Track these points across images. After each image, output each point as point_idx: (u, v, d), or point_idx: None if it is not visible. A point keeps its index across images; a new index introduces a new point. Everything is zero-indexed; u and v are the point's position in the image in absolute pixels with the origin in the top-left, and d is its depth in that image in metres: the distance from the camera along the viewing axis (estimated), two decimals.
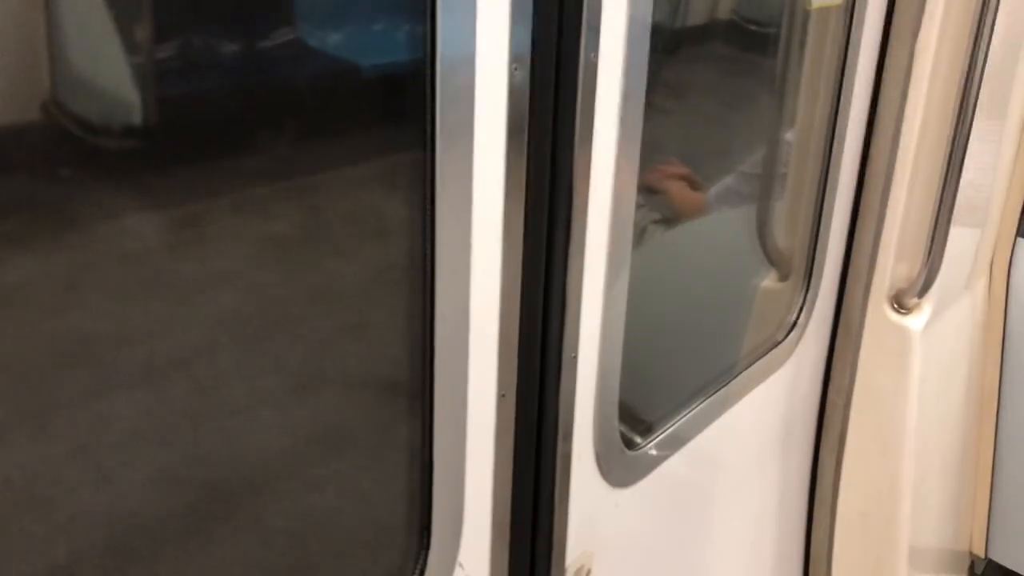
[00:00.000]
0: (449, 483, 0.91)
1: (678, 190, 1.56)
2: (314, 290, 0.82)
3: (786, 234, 1.64)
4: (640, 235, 1.50)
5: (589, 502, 1.11)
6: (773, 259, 1.65)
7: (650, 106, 1.44)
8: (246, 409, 0.79)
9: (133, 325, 0.69)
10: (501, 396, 0.94)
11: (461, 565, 0.94)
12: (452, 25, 0.78)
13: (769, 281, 1.65)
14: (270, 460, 0.83)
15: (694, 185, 1.60)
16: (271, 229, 0.77)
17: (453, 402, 0.89)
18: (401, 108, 0.84)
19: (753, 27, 1.65)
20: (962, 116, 1.57)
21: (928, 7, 1.52)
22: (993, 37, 1.56)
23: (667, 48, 1.48)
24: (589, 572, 1.14)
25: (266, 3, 0.71)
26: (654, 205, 1.52)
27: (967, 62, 1.55)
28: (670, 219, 1.57)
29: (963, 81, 1.56)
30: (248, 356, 0.78)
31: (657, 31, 1.33)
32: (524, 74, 0.85)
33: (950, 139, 1.59)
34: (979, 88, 1.56)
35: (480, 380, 0.91)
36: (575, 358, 1.02)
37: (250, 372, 0.78)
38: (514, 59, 0.84)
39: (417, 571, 0.90)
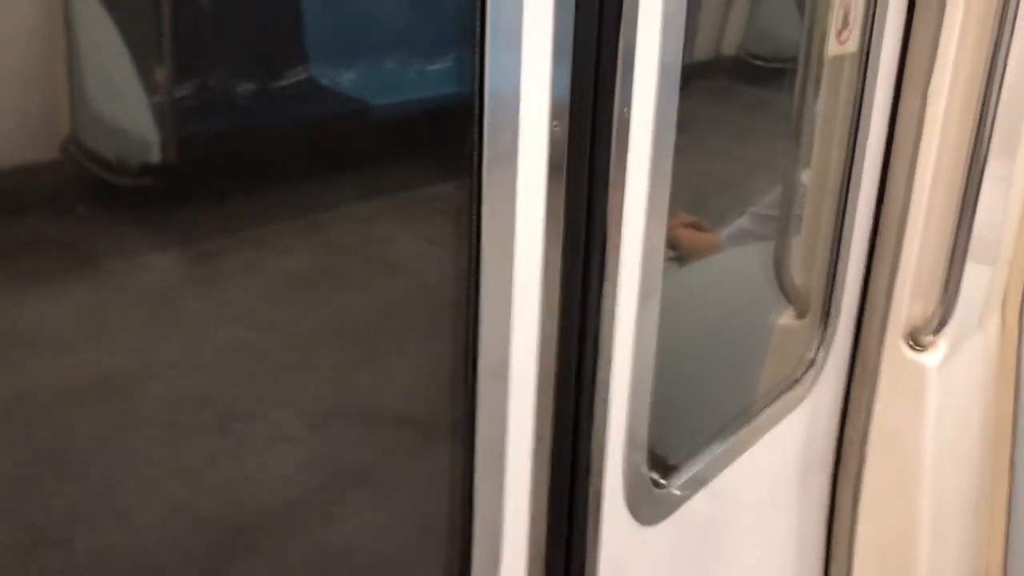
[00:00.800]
0: (488, 524, 0.93)
1: (687, 236, 1.61)
2: (363, 329, 0.85)
3: (803, 273, 1.67)
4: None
5: (618, 540, 1.13)
6: (791, 297, 1.68)
7: (685, 151, 1.48)
8: (288, 448, 0.82)
9: (176, 363, 0.71)
10: (539, 438, 0.97)
11: None
12: (498, 81, 0.82)
13: (787, 319, 1.68)
14: (313, 500, 0.85)
15: (702, 229, 1.64)
16: (314, 266, 0.80)
17: (494, 446, 0.92)
18: (450, 158, 0.87)
19: (771, 71, 1.69)
20: (975, 158, 1.60)
21: (940, 55, 1.56)
22: (1005, 80, 1.60)
23: (691, 92, 1.52)
24: None
25: (312, 46, 0.75)
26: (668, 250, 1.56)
27: (979, 106, 1.59)
28: (684, 259, 1.61)
29: (975, 124, 1.60)
30: (292, 396, 0.80)
31: (687, 76, 1.37)
32: (563, 128, 0.89)
33: (964, 180, 1.63)
34: (991, 130, 1.60)
35: (519, 424, 0.94)
36: (606, 400, 1.04)
37: (292, 412, 0.81)
38: (554, 115, 0.88)
39: None
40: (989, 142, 1.61)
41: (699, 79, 1.61)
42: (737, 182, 1.72)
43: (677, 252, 1.57)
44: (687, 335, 1.55)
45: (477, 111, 0.82)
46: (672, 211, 1.58)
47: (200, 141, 0.71)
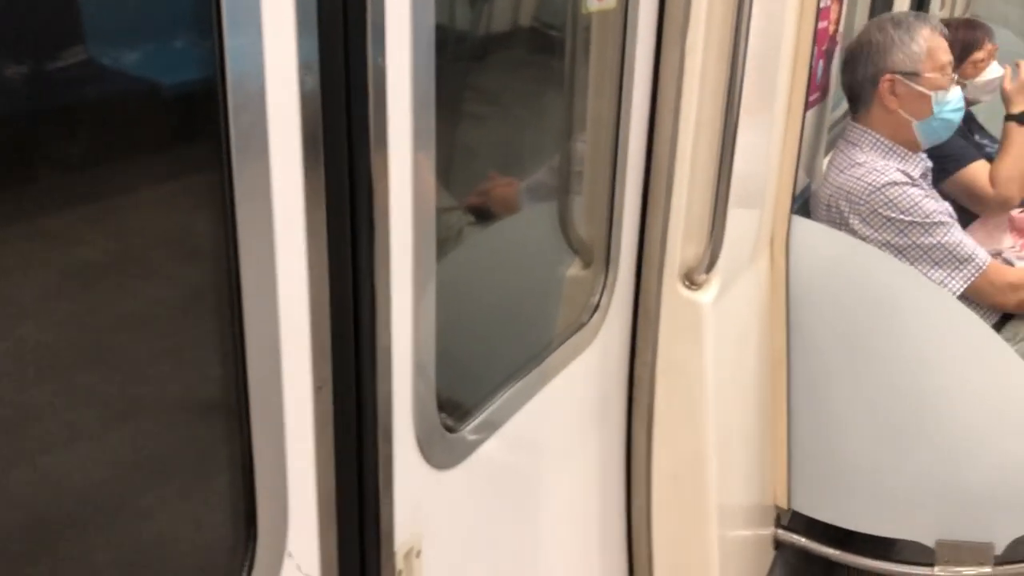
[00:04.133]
0: (270, 476, 0.95)
1: (501, 195, 1.69)
2: (117, 313, 0.83)
3: (586, 225, 1.76)
4: (457, 236, 1.59)
5: (413, 485, 1.17)
6: (577, 249, 1.77)
7: (459, 112, 1.52)
8: (56, 441, 0.80)
9: None
10: (318, 388, 0.99)
11: (290, 554, 0.98)
12: (239, 39, 0.82)
13: (574, 269, 1.77)
14: (87, 488, 0.84)
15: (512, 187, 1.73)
16: (67, 256, 0.78)
17: (268, 398, 0.93)
18: (194, 126, 0.87)
19: (546, 32, 1.77)
20: (729, 108, 1.75)
21: (693, 10, 1.68)
22: (751, 39, 1.75)
23: (465, 55, 1.58)
24: (419, 553, 1.20)
25: (43, 20, 0.73)
26: (475, 208, 1.63)
27: (730, 62, 1.73)
28: (487, 219, 1.68)
29: (727, 79, 1.74)
30: (53, 387, 0.79)
31: (452, 37, 1.41)
32: (314, 82, 0.91)
33: (721, 132, 1.77)
34: (741, 85, 1.74)
35: (294, 375, 0.96)
36: (389, 348, 1.07)
37: (55, 404, 0.79)
38: (303, 67, 0.89)
39: (247, 564, 0.93)
40: (740, 97, 1.75)
41: (495, 52, 1.67)
42: (532, 144, 1.81)
43: (490, 213, 1.64)
44: (483, 291, 1.61)
45: (219, 74, 0.82)
46: (472, 174, 1.65)
47: None
